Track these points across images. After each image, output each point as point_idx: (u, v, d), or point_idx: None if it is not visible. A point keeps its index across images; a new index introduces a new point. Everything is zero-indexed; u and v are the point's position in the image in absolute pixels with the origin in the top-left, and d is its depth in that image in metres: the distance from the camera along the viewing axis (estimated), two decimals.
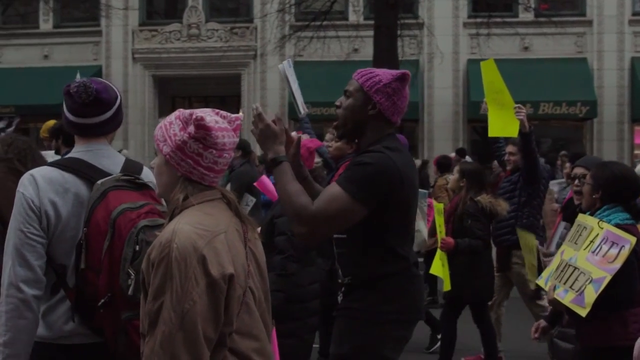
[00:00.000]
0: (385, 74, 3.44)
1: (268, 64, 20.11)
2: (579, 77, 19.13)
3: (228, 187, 8.70)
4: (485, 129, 6.99)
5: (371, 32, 15.37)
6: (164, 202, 2.88)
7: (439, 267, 6.71)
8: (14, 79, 19.60)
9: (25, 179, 3.00)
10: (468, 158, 16.05)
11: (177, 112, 2.53)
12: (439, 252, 6.72)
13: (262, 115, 3.29)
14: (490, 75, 6.59)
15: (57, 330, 3.00)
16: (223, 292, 2.30)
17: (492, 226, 6.95)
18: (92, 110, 3.06)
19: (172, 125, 2.49)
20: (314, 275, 4.88)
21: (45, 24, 21.82)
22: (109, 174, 3.03)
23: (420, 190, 8.08)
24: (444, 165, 11.13)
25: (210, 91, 22.37)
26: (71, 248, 2.94)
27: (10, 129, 17.10)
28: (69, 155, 3.17)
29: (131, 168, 3.12)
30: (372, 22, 15.89)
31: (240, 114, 2.64)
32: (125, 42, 21.23)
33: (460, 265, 6.64)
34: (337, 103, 3.60)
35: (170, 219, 2.43)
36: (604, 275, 3.88)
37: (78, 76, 9.86)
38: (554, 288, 4.15)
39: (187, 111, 2.51)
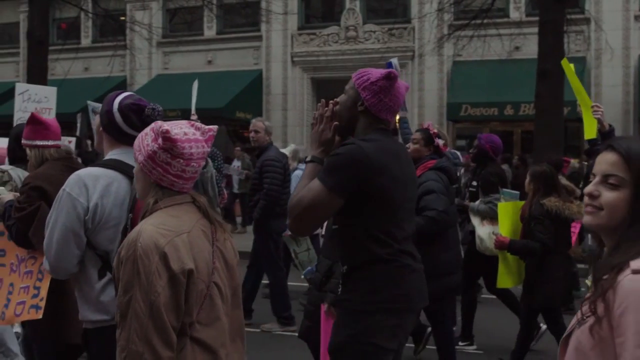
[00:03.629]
0: (375, 72, 3.62)
1: (426, 64, 19.84)
2: None
3: None
4: None
5: (534, 29, 14.78)
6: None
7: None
8: (179, 84, 20.37)
9: (72, 180, 3.36)
10: None
11: (152, 124, 2.77)
12: (500, 254, 6.70)
13: (327, 118, 3.64)
14: (569, 76, 6.43)
15: (114, 310, 3.14)
16: (183, 286, 2.56)
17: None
18: (143, 127, 3.38)
19: (147, 136, 2.75)
20: None
21: (209, 30, 22.60)
22: None
23: (511, 191, 7.70)
24: (554, 165, 10.47)
25: None
26: (114, 235, 3.29)
27: None
28: (108, 157, 3.52)
29: None
30: (535, 18, 15.29)
31: (214, 126, 2.89)
32: (284, 46, 21.60)
33: (529, 268, 6.49)
34: (337, 99, 3.77)
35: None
36: None
37: (196, 85, 10.18)
38: None
39: (160, 123, 2.75)
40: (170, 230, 2.60)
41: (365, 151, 3.43)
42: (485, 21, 16.36)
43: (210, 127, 2.84)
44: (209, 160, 9.20)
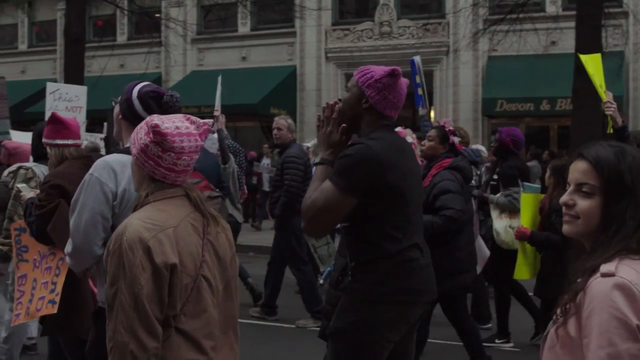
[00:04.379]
0: (378, 70, 3.68)
1: (461, 59, 19.70)
2: None
3: None
4: None
5: (570, 24, 14.61)
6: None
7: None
8: (214, 81, 20.43)
9: (99, 165, 3.45)
10: None
11: (148, 118, 2.83)
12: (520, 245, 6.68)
13: (334, 121, 3.71)
14: (588, 70, 6.42)
15: None
16: (166, 279, 2.62)
17: None
18: (161, 114, 3.52)
19: (141, 130, 2.81)
20: None
21: (243, 27, 22.66)
22: None
23: (532, 185, 7.61)
24: None
25: None
26: None
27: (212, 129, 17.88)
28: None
29: None
30: (572, 12, 15.09)
31: (210, 120, 2.95)
32: (318, 42, 21.59)
33: (544, 261, 6.52)
34: (340, 98, 3.84)
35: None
36: None
37: (219, 81, 10.33)
38: None
39: (153, 117, 2.82)
40: (156, 225, 2.67)
41: (374, 150, 3.51)
42: (521, 15, 16.18)
43: (205, 120, 2.89)
44: (231, 156, 9.32)
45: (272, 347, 7.58)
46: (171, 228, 2.69)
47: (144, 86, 3.65)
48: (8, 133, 8.93)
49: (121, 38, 24.19)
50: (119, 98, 3.75)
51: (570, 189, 2.25)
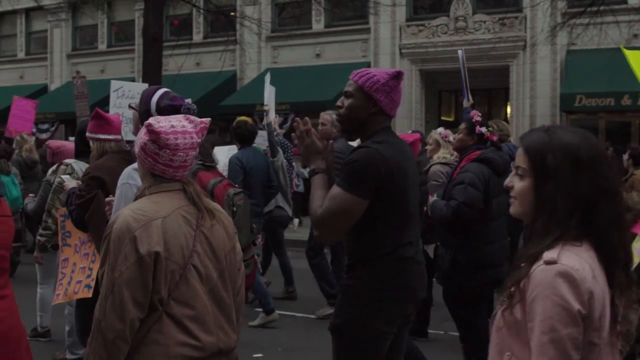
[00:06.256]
0: (381, 73, 3.78)
1: (538, 54, 19.30)
2: None
3: None
4: None
5: None
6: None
7: None
8: (288, 78, 20.58)
9: (134, 172, 3.65)
10: None
11: (150, 118, 3.04)
12: None
13: (310, 132, 3.81)
14: (631, 63, 6.16)
15: None
16: (149, 266, 2.82)
17: None
18: None
19: (142, 129, 3.02)
20: None
21: (317, 24, 22.71)
22: None
23: None
24: (638, 157, 9.75)
25: (477, 84, 21.83)
26: None
27: (286, 125, 18.03)
28: None
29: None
30: None
31: (208, 119, 3.12)
32: (392, 38, 21.46)
33: None
34: (339, 104, 3.90)
35: None
36: None
37: (268, 78, 10.44)
38: None
39: (151, 118, 3.05)
40: (145, 215, 2.88)
41: (383, 154, 3.61)
42: (601, 8, 15.77)
43: (203, 119, 3.08)
44: (279, 150, 9.38)
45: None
46: (160, 219, 2.89)
47: (160, 98, 3.96)
48: None
49: (197, 37, 24.52)
50: (137, 105, 4.02)
51: (512, 172, 2.42)
